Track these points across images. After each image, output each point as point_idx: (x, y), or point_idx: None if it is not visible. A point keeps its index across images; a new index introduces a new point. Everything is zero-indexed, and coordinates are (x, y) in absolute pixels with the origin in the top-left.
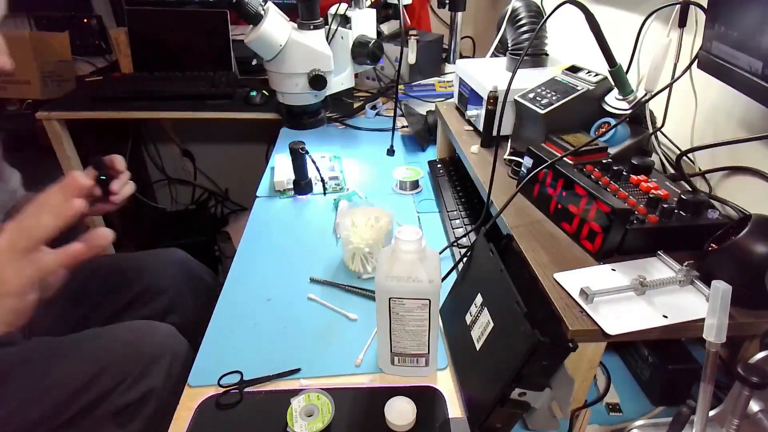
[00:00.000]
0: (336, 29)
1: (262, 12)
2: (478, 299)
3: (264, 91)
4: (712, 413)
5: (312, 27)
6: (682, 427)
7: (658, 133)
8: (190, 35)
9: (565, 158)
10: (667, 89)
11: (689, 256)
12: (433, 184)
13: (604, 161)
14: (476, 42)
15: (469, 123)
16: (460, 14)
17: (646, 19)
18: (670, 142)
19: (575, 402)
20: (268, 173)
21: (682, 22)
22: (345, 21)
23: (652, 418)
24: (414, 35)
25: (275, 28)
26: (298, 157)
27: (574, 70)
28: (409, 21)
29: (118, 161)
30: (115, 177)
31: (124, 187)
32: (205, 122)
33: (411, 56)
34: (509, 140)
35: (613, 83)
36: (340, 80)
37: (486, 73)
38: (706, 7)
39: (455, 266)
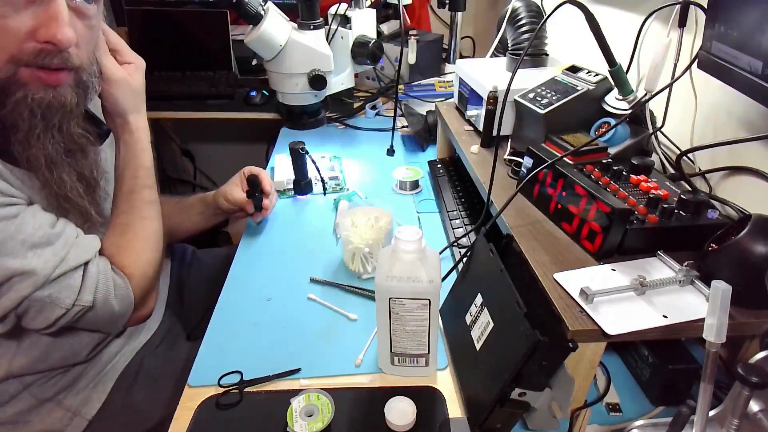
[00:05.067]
0: (336, 29)
1: (262, 12)
2: (478, 299)
3: (264, 91)
4: (712, 413)
5: (312, 27)
6: (682, 427)
7: (658, 133)
8: (190, 35)
9: (565, 158)
10: (667, 89)
11: (689, 256)
12: (433, 184)
13: (604, 161)
14: (476, 42)
15: (469, 123)
16: (460, 14)
17: (646, 19)
18: (670, 142)
19: (575, 402)
20: (268, 173)
21: (682, 22)
22: (345, 21)
23: (652, 418)
24: (414, 35)
25: (275, 28)
26: (298, 157)
27: (574, 70)
28: (409, 21)
29: (267, 184)
30: (266, 194)
31: (272, 199)
32: (205, 122)
33: (411, 56)
34: (509, 140)
35: (613, 83)
36: (340, 80)
37: (486, 73)
38: (706, 7)
39: (455, 266)
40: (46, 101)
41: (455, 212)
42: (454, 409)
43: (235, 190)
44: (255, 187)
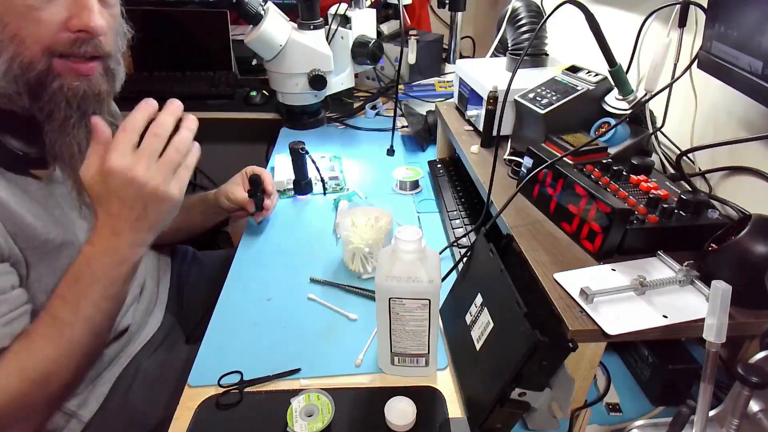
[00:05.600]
0: (336, 29)
1: (262, 12)
2: (478, 299)
3: (264, 91)
4: (712, 413)
5: (312, 27)
6: (682, 427)
7: (658, 133)
8: (190, 35)
9: (565, 158)
10: (667, 89)
11: (689, 256)
12: (433, 184)
13: (604, 161)
14: (476, 42)
15: (469, 123)
16: (460, 14)
17: (646, 19)
18: (670, 142)
19: (575, 402)
20: (270, 173)
21: (682, 22)
22: (345, 21)
23: (652, 418)
24: (414, 35)
25: (275, 28)
26: (298, 157)
27: (574, 70)
28: (409, 21)
29: (268, 184)
30: (268, 194)
31: (273, 199)
32: (205, 122)
33: (411, 56)
34: (509, 140)
35: (613, 83)
36: (340, 80)
37: (486, 73)
38: (706, 7)
39: (455, 266)
40: (81, 91)
41: (455, 212)
42: (454, 409)
43: (237, 189)
44: (257, 187)
